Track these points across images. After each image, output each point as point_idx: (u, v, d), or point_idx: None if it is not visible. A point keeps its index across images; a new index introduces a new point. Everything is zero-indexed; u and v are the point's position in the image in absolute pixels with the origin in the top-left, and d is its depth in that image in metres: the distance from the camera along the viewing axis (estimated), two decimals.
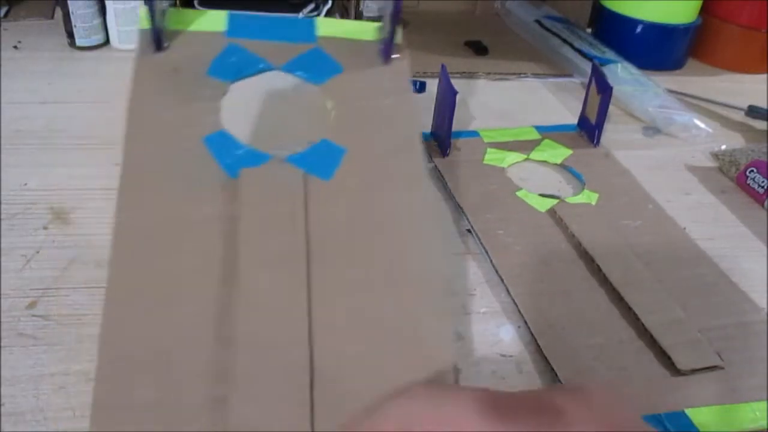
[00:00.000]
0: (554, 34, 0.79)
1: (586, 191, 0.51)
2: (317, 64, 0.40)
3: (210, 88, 0.37)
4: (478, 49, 0.77)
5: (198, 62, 0.38)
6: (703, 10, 0.80)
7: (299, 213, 0.34)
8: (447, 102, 0.52)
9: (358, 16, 0.70)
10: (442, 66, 0.52)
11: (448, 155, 0.54)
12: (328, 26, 0.42)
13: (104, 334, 0.29)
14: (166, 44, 0.38)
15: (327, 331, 0.31)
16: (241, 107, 0.42)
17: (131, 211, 0.33)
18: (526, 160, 0.56)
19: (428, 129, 0.58)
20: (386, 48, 0.40)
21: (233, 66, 0.39)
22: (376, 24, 0.42)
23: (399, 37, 0.40)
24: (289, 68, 0.40)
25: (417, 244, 0.34)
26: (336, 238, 0.34)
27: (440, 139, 0.55)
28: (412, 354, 0.31)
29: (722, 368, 0.36)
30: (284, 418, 0.28)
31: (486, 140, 0.57)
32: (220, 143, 0.36)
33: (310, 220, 0.34)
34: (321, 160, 0.36)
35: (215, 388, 0.29)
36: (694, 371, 0.36)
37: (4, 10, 0.75)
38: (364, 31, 0.42)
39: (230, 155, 0.36)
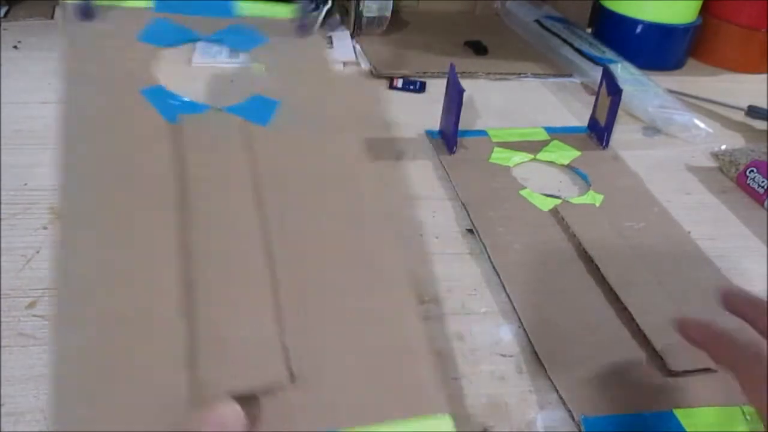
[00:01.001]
0: (554, 34, 0.79)
1: (591, 192, 0.51)
2: (243, 35, 0.45)
3: (142, 51, 0.41)
4: (478, 49, 0.77)
5: (128, 30, 0.42)
6: (703, 10, 0.80)
7: (242, 148, 0.37)
8: (454, 100, 0.52)
9: (359, 16, 0.71)
10: (451, 65, 0.53)
11: (454, 153, 0.54)
12: (247, 7, 0.48)
13: (58, 258, 0.30)
14: (93, 17, 0.41)
15: (285, 244, 0.33)
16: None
17: (77, 150, 0.35)
18: (533, 160, 0.56)
19: (427, 128, 0.58)
20: (302, 24, 0.46)
21: (163, 34, 0.42)
22: (292, 5, 0.48)
23: (313, 15, 0.47)
24: (217, 38, 0.44)
25: (355, 174, 0.38)
26: (280, 168, 0.37)
27: (446, 137, 0.55)
28: (364, 264, 0.34)
29: (716, 371, 0.36)
30: (253, 321, 0.30)
31: (494, 139, 0.57)
32: (158, 95, 0.39)
33: (253, 154, 0.37)
34: (257, 109, 0.40)
35: (184, 298, 0.30)
36: (686, 372, 0.36)
37: (4, 10, 0.75)
38: (280, 11, 0.48)
39: (169, 105, 0.38)
